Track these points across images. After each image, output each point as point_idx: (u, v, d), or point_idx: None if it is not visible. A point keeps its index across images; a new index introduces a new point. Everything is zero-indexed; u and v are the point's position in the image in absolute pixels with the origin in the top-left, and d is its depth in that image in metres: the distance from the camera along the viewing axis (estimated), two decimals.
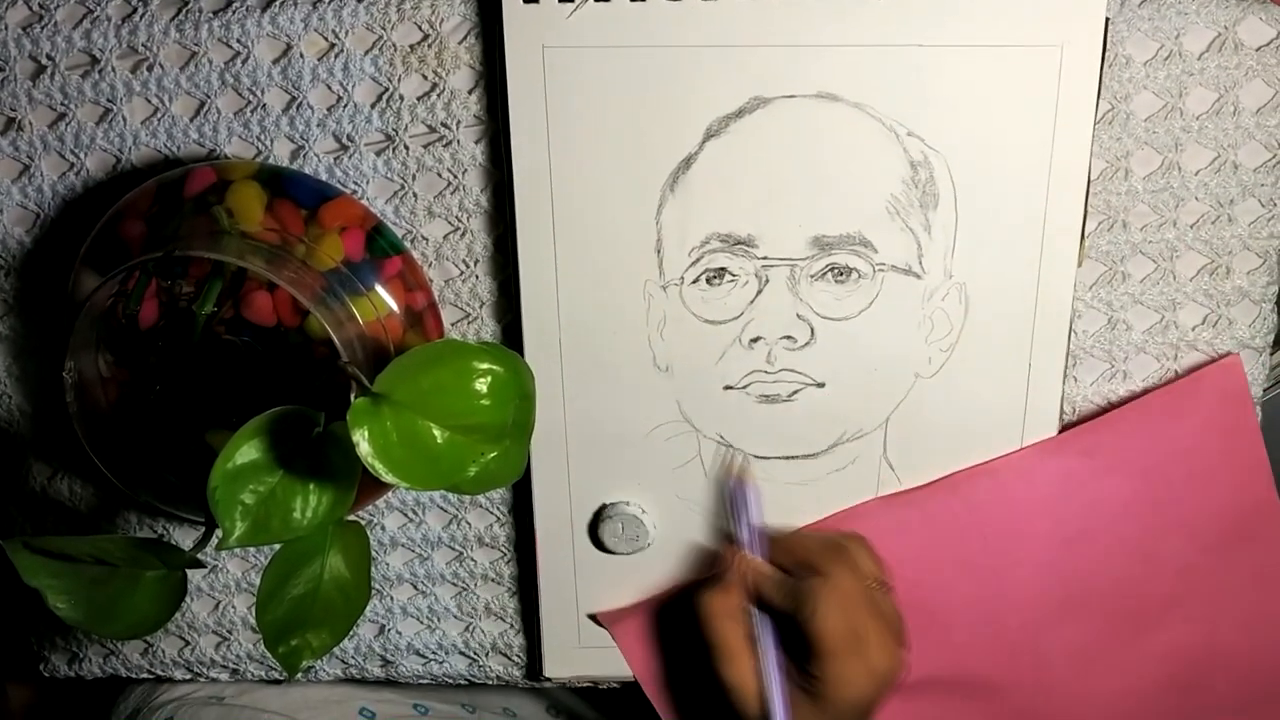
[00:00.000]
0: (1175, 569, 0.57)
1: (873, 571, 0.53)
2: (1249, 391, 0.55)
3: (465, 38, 0.50)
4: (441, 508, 0.59)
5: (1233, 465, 0.56)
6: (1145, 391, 0.55)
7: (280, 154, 0.52)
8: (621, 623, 0.58)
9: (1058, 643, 0.58)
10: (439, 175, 0.52)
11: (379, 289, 0.51)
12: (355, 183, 0.52)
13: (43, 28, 0.51)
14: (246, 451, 0.42)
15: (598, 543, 0.57)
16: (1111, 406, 0.55)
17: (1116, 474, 0.55)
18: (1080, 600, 0.57)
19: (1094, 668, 0.59)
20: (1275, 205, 0.52)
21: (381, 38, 0.50)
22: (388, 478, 0.40)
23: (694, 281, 0.53)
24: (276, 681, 0.64)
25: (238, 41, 0.51)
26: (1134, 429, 0.55)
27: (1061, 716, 0.59)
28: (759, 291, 0.53)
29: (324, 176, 0.52)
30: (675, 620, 0.58)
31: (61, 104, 0.52)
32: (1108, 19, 0.49)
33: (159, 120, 0.52)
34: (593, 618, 0.59)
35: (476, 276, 0.54)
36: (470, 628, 0.61)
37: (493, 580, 0.60)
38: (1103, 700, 0.59)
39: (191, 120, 0.52)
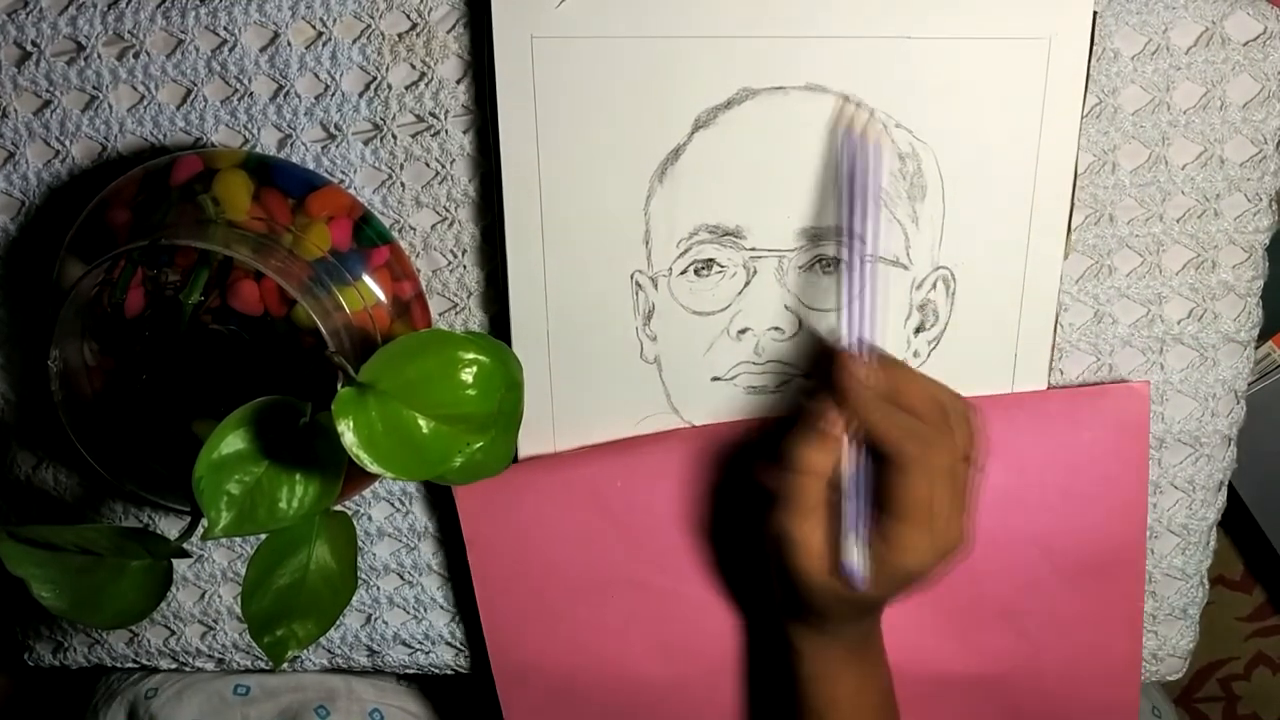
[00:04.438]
0: (1023, 581, 0.56)
1: (964, 446, 0.50)
2: (1148, 425, 0.55)
3: (454, 27, 0.50)
4: (429, 498, 0.59)
5: (1112, 496, 0.55)
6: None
7: (267, 142, 0.52)
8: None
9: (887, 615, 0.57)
10: (427, 165, 0.52)
11: (366, 279, 0.51)
12: (343, 172, 0.52)
13: (28, 13, 0.51)
14: (232, 441, 0.42)
15: None
16: None
17: (994, 462, 0.53)
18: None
19: (912, 645, 0.58)
20: (1261, 200, 0.53)
21: (369, 26, 0.50)
22: (373, 468, 0.40)
23: (682, 273, 0.53)
24: (263, 671, 0.64)
25: (224, 29, 0.50)
26: (1027, 423, 0.54)
27: None
28: (747, 283, 0.53)
29: (311, 165, 0.52)
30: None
31: (47, 91, 0.52)
32: (1095, 12, 0.49)
33: (145, 108, 0.52)
34: None
35: (464, 267, 0.54)
36: (457, 618, 0.61)
37: None
38: (911, 675, 0.58)
39: (178, 108, 0.52)
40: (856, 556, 0.48)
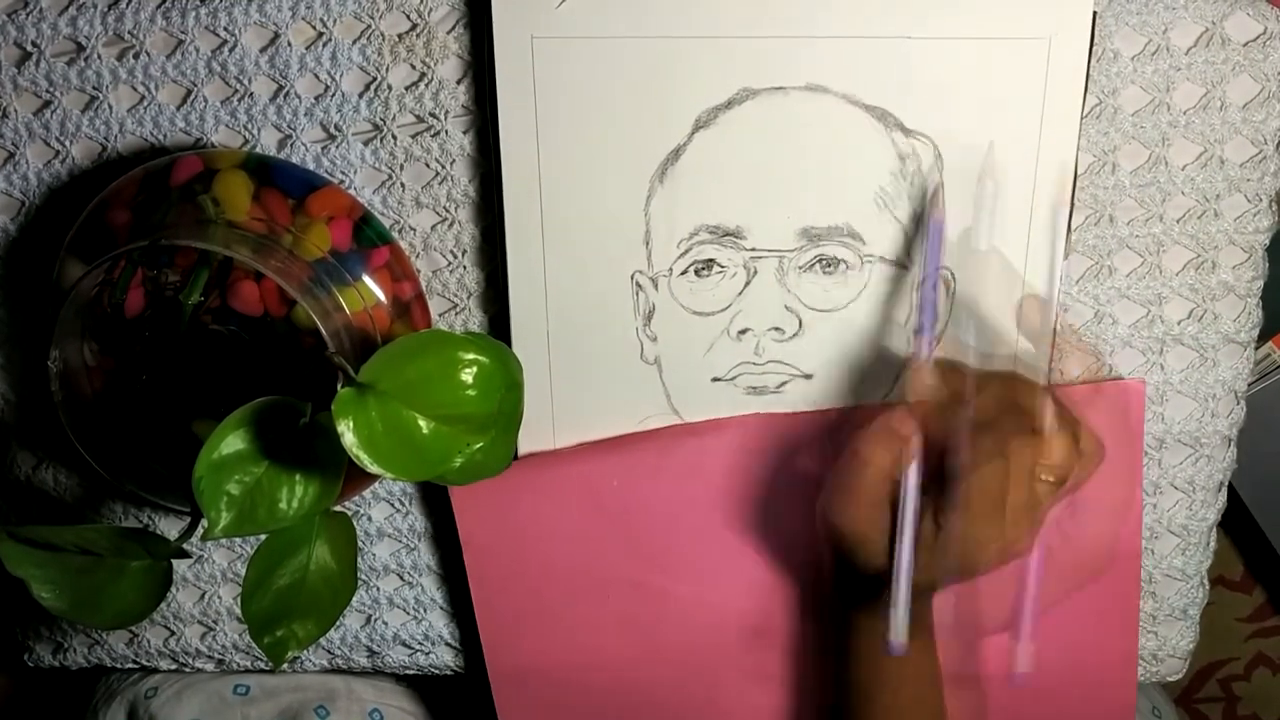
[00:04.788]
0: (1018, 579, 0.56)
1: (1056, 466, 0.48)
2: (1143, 422, 0.55)
3: (454, 27, 0.50)
4: (429, 499, 0.59)
5: (1108, 494, 0.55)
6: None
7: (267, 143, 0.52)
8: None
9: None
10: (427, 165, 0.52)
11: (366, 279, 0.51)
12: (343, 172, 0.52)
13: (28, 14, 0.51)
14: (232, 441, 0.42)
15: None
16: None
17: None
18: None
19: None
20: (1261, 200, 0.53)
21: (370, 26, 0.50)
22: (372, 468, 0.40)
23: (682, 273, 0.53)
24: (263, 671, 0.64)
25: (225, 29, 0.50)
26: None
27: None
28: (747, 283, 0.53)
29: (311, 166, 0.52)
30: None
31: (47, 91, 0.52)
32: (1095, 12, 0.49)
33: (145, 108, 0.52)
34: None
35: (464, 267, 0.54)
36: (457, 619, 0.61)
37: None
38: None
39: (178, 108, 0.52)
40: (899, 628, 0.49)
